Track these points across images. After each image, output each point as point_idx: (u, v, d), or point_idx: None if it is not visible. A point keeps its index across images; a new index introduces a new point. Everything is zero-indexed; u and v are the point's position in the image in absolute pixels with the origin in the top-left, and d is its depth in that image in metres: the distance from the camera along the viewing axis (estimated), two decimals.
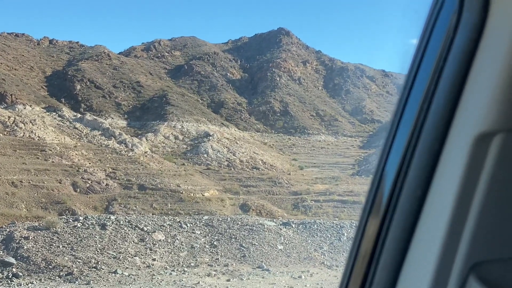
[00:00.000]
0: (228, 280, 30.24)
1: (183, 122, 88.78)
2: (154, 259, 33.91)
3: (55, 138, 71.35)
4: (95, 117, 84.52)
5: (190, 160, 75.97)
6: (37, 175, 58.42)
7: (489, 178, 1.47)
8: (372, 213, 1.84)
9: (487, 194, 1.49)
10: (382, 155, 1.82)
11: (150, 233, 37.34)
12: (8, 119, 72.41)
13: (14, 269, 30.61)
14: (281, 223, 43.35)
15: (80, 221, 38.10)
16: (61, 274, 30.03)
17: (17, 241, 33.93)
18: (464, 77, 1.49)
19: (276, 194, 65.43)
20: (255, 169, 74.58)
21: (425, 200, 1.61)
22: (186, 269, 32.69)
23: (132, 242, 35.75)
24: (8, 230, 36.09)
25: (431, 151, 1.58)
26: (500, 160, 1.46)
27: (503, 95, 1.41)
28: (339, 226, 42.05)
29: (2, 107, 77.25)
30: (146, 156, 71.91)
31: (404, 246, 1.67)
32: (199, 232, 38.83)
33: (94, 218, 39.31)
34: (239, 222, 41.00)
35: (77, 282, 28.72)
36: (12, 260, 31.45)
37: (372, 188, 1.86)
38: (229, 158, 77.07)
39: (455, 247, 1.53)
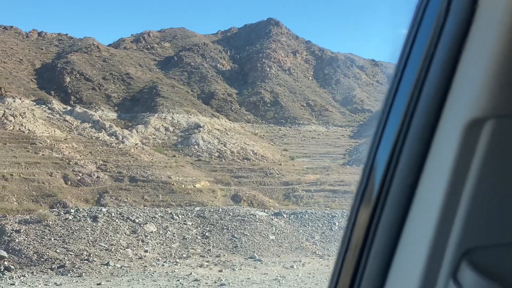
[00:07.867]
0: (220, 271, 30.25)
1: (173, 113, 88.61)
2: (146, 251, 33.90)
3: (45, 131, 71.05)
4: (85, 109, 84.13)
5: (181, 151, 75.89)
6: (27, 168, 58.21)
7: (480, 164, 1.48)
8: (363, 201, 1.84)
9: (479, 180, 1.49)
10: (373, 143, 1.82)
11: (141, 225, 37.30)
12: None
13: (5, 263, 30.50)
14: (272, 213, 43.40)
15: (72, 213, 37.98)
16: (53, 266, 29.96)
17: (8, 234, 33.80)
18: (455, 63, 1.49)
19: (267, 185, 65.46)
20: (246, 160, 74.58)
21: (417, 187, 1.61)
22: (178, 260, 32.70)
23: (124, 234, 35.70)
24: None
25: (422, 138, 1.58)
26: (491, 146, 1.46)
27: (494, 81, 1.41)
28: (330, 216, 42.13)
29: None
30: (136, 148, 71.74)
31: (396, 233, 1.67)
32: (190, 223, 38.83)
33: (85, 211, 39.19)
34: (231, 213, 41.01)
35: (69, 275, 28.65)
36: (4, 254, 31.32)
37: (364, 177, 1.85)
38: (220, 149, 77.04)
39: (447, 234, 1.53)
